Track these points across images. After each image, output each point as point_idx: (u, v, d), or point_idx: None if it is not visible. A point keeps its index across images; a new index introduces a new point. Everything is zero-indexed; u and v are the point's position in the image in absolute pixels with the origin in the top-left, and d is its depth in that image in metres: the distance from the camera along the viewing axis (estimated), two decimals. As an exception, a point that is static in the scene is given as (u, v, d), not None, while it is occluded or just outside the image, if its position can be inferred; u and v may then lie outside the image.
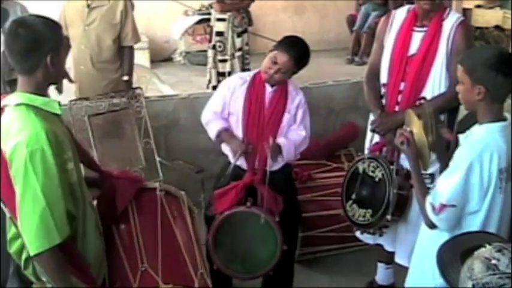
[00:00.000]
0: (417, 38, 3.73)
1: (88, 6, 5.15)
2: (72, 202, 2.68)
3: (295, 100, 4.00)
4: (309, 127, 4.09)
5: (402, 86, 3.76)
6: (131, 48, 5.42)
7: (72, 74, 5.25)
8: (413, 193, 3.75)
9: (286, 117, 3.97)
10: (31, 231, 2.50)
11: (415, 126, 3.15)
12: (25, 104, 2.58)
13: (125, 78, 5.33)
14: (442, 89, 3.68)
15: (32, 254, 2.54)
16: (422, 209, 2.98)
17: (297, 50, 3.86)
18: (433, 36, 3.67)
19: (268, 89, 3.96)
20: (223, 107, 4.00)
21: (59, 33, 2.69)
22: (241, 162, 4.01)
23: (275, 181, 3.92)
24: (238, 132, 3.99)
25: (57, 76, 2.72)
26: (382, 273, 4.36)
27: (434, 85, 3.69)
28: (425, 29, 3.72)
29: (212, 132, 4.02)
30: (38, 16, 2.69)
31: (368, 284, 4.44)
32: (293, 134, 4.01)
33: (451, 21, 3.68)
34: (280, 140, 3.95)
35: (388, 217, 3.72)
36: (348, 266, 4.78)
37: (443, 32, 3.67)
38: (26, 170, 2.48)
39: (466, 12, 9.32)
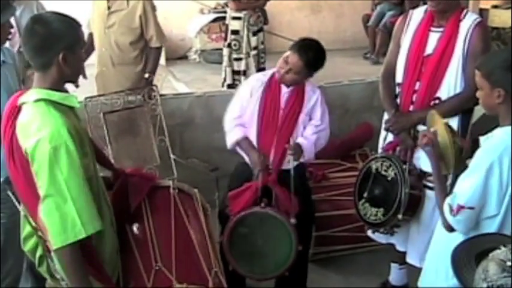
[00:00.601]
0: (434, 38, 3.71)
1: (109, 8, 5.17)
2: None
3: (312, 100, 4.01)
4: (328, 124, 4.10)
5: (417, 85, 3.74)
6: (157, 49, 5.45)
7: (94, 74, 5.34)
8: (426, 193, 3.77)
9: (302, 117, 3.98)
10: (56, 224, 2.49)
11: (440, 127, 3.13)
12: (44, 100, 2.58)
13: (146, 75, 5.35)
14: (458, 90, 3.65)
15: (54, 247, 2.52)
16: (441, 210, 2.96)
17: (308, 53, 3.87)
18: (449, 36, 3.64)
19: (284, 90, 3.97)
20: (242, 111, 4.02)
21: (76, 32, 2.67)
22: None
23: (289, 181, 3.91)
24: (253, 131, 3.99)
25: (73, 74, 2.70)
26: (395, 274, 4.34)
27: (450, 86, 3.66)
28: (442, 29, 3.69)
29: (230, 141, 4.06)
30: (56, 13, 2.69)
31: (381, 285, 4.43)
32: (311, 130, 4.02)
33: (468, 22, 3.65)
34: (300, 140, 3.96)
35: (400, 216, 3.72)
36: (362, 266, 4.77)
37: (460, 33, 3.64)
38: (51, 166, 2.47)
39: (482, 12, 9.25)
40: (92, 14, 5.34)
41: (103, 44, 5.25)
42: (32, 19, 2.65)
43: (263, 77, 4.12)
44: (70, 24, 2.64)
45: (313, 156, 4.11)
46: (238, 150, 4.10)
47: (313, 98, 4.02)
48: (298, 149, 3.94)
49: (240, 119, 4.05)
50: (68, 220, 2.49)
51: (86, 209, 2.53)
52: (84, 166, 2.59)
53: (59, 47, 2.57)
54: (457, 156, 3.10)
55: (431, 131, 3.15)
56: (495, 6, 9.86)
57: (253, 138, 4.02)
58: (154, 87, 5.21)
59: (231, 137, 4.06)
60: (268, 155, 3.98)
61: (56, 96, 2.61)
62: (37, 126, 2.52)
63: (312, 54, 3.89)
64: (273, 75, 4.02)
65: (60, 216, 2.49)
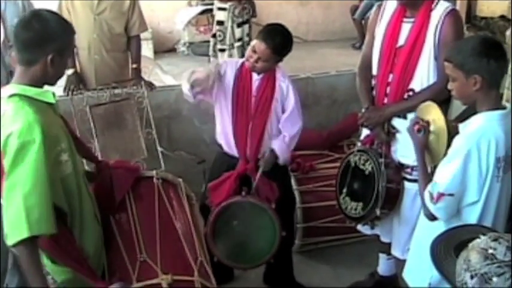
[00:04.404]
0: (406, 29, 3.66)
1: None
2: (65, 195, 2.68)
3: (283, 87, 3.97)
4: (301, 111, 4.05)
5: (391, 77, 3.71)
6: (138, 37, 5.42)
7: (79, 64, 5.28)
8: (404, 186, 3.77)
9: (274, 104, 3.95)
10: (11, 220, 2.49)
11: (438, 119, 3.14)
12: (18, 95, 2.58)
13: (134, 66, 5.34)
14: (431, 81, 3.61)
15: (10, 243, 2.52)
16: (423, 199, 2.97)
17: (275, 39, 3.81)
18: (420, 27, 3.59)
19: (255, 77, 3.95)
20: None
21: (70, 37, 2.70)
22: (234, 150, 4.02)
23: (270, 168, 3.95)
24: (228, 120, 3.98)
25: (54, 77, 2.71)
26: (383, 264, 4.35)
27: (423, 77, 3.62)
28: (413, 19, 3.64)
29: (185, 85, 3.84)
30: (55, 14, 2.73)
31: (370, 275, 4.43)
32: (286, 126, 4.00)
33: (439, 11, 3.59)
34: (273, 144, 3.97)
35: (377, 211, 3.72)
36: (350, 257, 4.79)
37: (431, 22, 3.58)
38: (14, 160, 2.48)
39: (471, 2, 9.27)
40: (72, 3, 5.15)
41: (94, 31, 5.17)
42: (31, 13, 2.69)
43: (234, 62, 4.09)
44: (66, 28, 2.67)
45: (289, 156, 4.11)
46: (217, 138, 4.10)
47: (284, 84, 3.98)
48: (272, 158, 3.96)
49: None
50: (22, 216, 2.47)
51: (36, 209, 2.49)
52: (58, 163, 2.59)
53: (51, 48, 2.58)
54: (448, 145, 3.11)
55: (424, 120, 3.15)
56: (483, -4, 9.87)
57: (228, 127, 4.00)
58: (147, 81, 5.24)
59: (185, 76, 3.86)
60: (244, 142, 3.97)
61: (31, 91, 2.60)
62: (9, 121, 2.52)
63: (278, 39, 3.83)
64: (243, 64, 3.98)
65: (16, 211, 2.48)
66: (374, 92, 3.85)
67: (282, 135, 4.00)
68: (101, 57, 5.27)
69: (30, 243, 2.50)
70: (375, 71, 3.83)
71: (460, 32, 3.65)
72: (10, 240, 2.51)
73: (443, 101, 3.62)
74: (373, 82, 3.86)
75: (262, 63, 3.83)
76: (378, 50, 3.78)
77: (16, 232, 2.48)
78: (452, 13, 3.60)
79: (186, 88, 3.80)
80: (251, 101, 3.93)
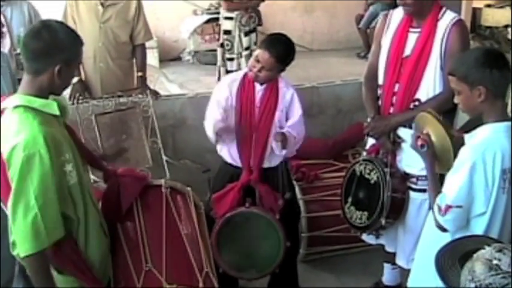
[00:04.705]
0: (412, 39, 3.67)
1: (102, 4, 5.14)
2: (71, 204, 2.70)
3: (287, 96, 3.97)
4: (303, 123, 4.03)
5: (397, 87, 3.71)
6: (143, 45, 5.43)
7: (84, 73, 5.28)
8: (409, 196, 3.76)
9: (278, 114, 3.94)
10: (22, 233, 2.53)
11: (434, 126, 3.13)
12: (23, 106, 2.59)
13: (139, 74, 5.35)
14: (437, 91, 3.62)
15: (21, 255, 2.58)
16: (433, 211, 2.97)
17: (278, 48, 3.82)
18: (427, 37, 3.60)
19: (258, 87, 3.94)
20: (223, 112, 3.92)
21: (78, 48, 2.72)
22: (237, 161, 4.02)
23: (272, 178, 3.97)
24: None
25: (60, 87, 2.73)
26: (388, 274, 4.34)
27: (429, 87, 3.63)
28: (419, 29, 3.65)
29: (209, 130, 3.89)
30: (64, 25, 2.77)
31: (374, 285, 4.43)
32: (292, 129, 3.97)
33: (445, 21, 3.60)
34: (284, 130, 3.92)
35: (383, 220, 3.73)
36: (355, 266, 4.78)
37: (437, 32, 3.59)
38: (21, 174, 2.50)
39: (476, 11, 9.28)
40: (78, 11, 5.16)
41: (99, 39, 5.18)
42: (41, 23, 2.70)
43: (235, 75, 4.10)
44: (75, 39, 2.69)
45: (292, 153, 4.06)
46: (218, 149, 4.11)
47: (287, 94, 3.97)
48: (284, 137, 3.85)
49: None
50: (33, 229, 2.51)
51: (51, 219, 2.55)
52: (63, 173, 2.61)
53: (59, 58, 2.60)
54: (455, 150, 3.10)
55: (424, 133, 3.14)
56: (488, 6, 9.90)
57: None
58: (152, 90, 5.26)
59: (209, 122, 3.90)
60: (248, 153, 3.96)
61: (36, 103, 2.62)
62: (14, 133, 2.54)
63: (281, 48, 3.85)
64: (245, 75, 3.98)
65: (26, 225, 2.51)
66: (380, 102, 3.85)
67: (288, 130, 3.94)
68: (106, 66, 5.28)
69: (42, 252, 2.56)
70: (381, 81, 3.83)
71: (466, 42, 3.65)
72: (24, 252, 2.55)
73: (449, 111, 3.63)
74: (379, 92, 3.86)
75: (265, 72, 3.83)
76: (384, 60, 3.79)
77: (33, 244, 2.53)
78: (459, 23, 3.60)
79: (210, 132, 3.87)
80: (255, 112, 3.93)
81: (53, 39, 2.58)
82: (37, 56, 2.60)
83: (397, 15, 3.79)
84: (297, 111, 3.97)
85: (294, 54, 3.93)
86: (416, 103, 3.66)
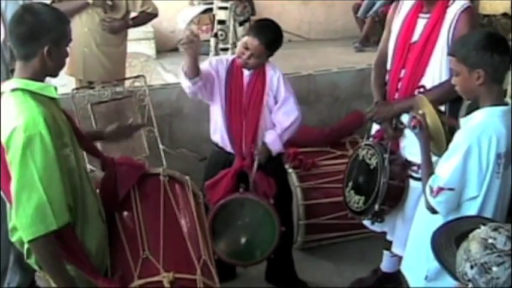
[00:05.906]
0: (421, 25, 3.66)
1: None
2: (70, 189, 2.66)
3: (273, 80, 3.97)
4: (296, 103, 4.03)
5: (402, 73, 3.70)
6: (150, 14, 5.54)
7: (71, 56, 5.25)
8: (410, 184, 3.75)
9: (266, 98, 3.95)
10: (27, 216, 2.48)
11: (428, 110, 3.13)
12: (21, 89, 2.57)
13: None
14: (443, 79, 3.58)
15: (26, 239, 2.53)
16: (424, 192, 2.97)
17: (267, 34, 3.83)
18: (435, 23, 3.58)
19: (246, 73, 3.95)
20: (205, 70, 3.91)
21: (64, 26, 2.68)
22: (229, 148, 4.02)
23: (265, 163, 3.97)
24: (220, 118, 3.98)
25: (54, 68, 2.70)
26: (387, 261, 4.33)
27: (434, 74, 3.60)
28: (429, 15, 3.63)
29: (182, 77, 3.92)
30: (47, 5, 2.72)
31: (372, 272, 4.42)
32: (279, 116, 3.99)
33: (455, 8, 3.57)
34: (265, 137, 3.97)
35: (376, 206, 3.71)
36: (353, 254, 4.79)
37: (446, 19, 3.57)
38: (23, 156, 2.46)
39: (473, 0, 9.24)
40: None
41: (85, 25, 5.20)
42: (23, 7, 2.65)
43: (224, 59, 4.09)
44: (59, 18, 2.64)
45: (282, 147, 4.08)
46: (212, 136, 4.11)
47: (274, 77, 3.97)
48: (265, 151, 3.96)
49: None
50: (38, 212, 2.48)
51: (57, 200, 2.52)
52: (62, 157, 2.58)
53: (46, 40, 2.56)
54: (447, 136, 3.09)
55: (419, 113, 3.14)
56: (486, -6, 9.85)
57: (222, 124, 4.01)
58: (141, 78, 5.21)
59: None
60: (240, 139, 3.97)
61: (34, 86, 2.60)
62: (13, 115, 2.51)
63: (270, 35, 3.86)
64: (233, 61, 3.98)
65: (31, 207, 2.47)
66: (386, 87, 3.85)
67: (275, 128, 3.99)
68: (90, 51, 5.30)
69: (51, 236, 2.52)
70: (389, 66, 3.83)
71: (475, 29, 3.61)
72: (30, 236, 2.50)
73: (455, 100, 3.60)
74: (387, 77, 3.85)
75: (255, 59, 3.85)
76: (393, 45, 3.78)
77: (39, 226, 2.49)
78: (468, 10, 3.57)
79: (183, 78, 3.86)
80: (243, 97, 3.93)
81: (37, 22, 2.56)
82: (24, 41, 2.58)
83: (408, 1, 3.78)
84: (284, 94, 3.97)
85: (282, 39, 3.94)
86: (421, 90, 3.63)
